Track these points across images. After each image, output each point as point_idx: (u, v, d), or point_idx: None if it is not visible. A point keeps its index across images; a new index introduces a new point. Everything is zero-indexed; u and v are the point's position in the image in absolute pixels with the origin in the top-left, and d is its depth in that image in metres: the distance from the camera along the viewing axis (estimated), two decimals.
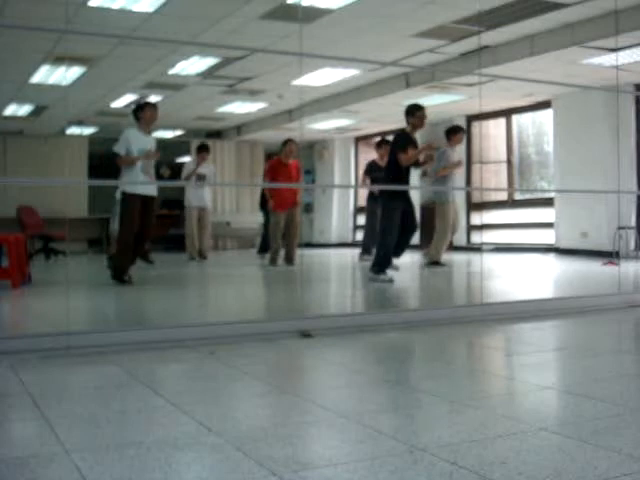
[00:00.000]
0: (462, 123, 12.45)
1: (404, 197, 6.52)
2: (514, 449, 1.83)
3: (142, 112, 6.34)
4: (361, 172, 11.01)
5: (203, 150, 10.25)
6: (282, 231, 8.87)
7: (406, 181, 6.57)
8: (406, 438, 1.93)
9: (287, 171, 8.85)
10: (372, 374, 2.92)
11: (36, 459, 1.80)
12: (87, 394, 2.64)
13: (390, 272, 6.47)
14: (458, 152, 8.72)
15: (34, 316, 4.84)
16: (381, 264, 6.44)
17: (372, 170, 9.73)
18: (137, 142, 6.26)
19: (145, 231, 6.30)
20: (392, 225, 6.40)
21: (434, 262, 8.15)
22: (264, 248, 10.63)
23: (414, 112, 6.51)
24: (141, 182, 6.29)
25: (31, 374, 2.83)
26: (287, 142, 8.95)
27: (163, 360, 3.20)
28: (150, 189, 6.33)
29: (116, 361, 3.06)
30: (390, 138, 7.42)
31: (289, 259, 8.87)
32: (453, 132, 8.50)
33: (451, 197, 8.27)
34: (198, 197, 10.46)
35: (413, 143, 6.50)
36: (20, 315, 5.12)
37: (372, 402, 2.39)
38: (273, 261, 8.92)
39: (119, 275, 6.30)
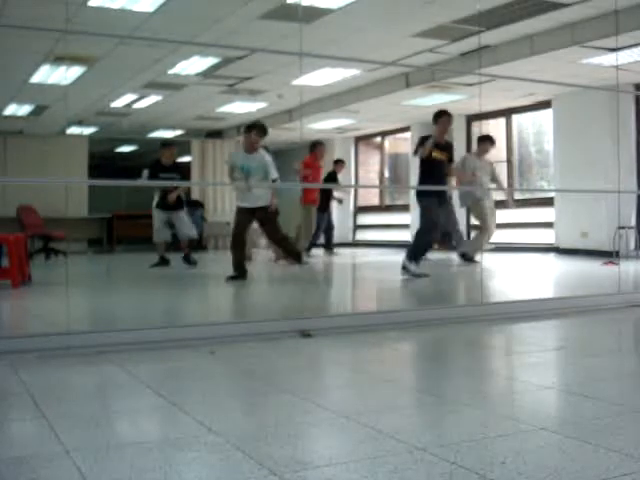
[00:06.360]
0: (462, 123, 12.46)
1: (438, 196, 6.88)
2: (514, 449, 1.83)
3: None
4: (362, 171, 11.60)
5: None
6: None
7: (438, 182, 6.97)
8: (406, 438, 1.93)
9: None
10: (372, 374, 2.92)
11: (36, 459, 1.80)
12: (87, 394, 2.64)
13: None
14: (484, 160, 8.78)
15: (34, 316, 4.84)
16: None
17: None
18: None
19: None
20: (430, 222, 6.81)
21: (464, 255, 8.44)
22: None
23: (438, 118, 6.96)
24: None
25: (31, 374, 2.83)
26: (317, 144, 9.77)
27: (163, 360, 3.19)
28: (252, 202, 6.89)
29: (116, 361, 3.06)
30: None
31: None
32: (478, 141, 8.92)
33: (481, 197, 8.50)
34: None
35: (437, 148, 6.91)
36: (20, 315, 5.12)
37: (372, 402, 2.39)
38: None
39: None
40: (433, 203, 6.77)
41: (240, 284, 6.65)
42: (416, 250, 6.86)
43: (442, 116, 6.93)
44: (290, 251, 7.35)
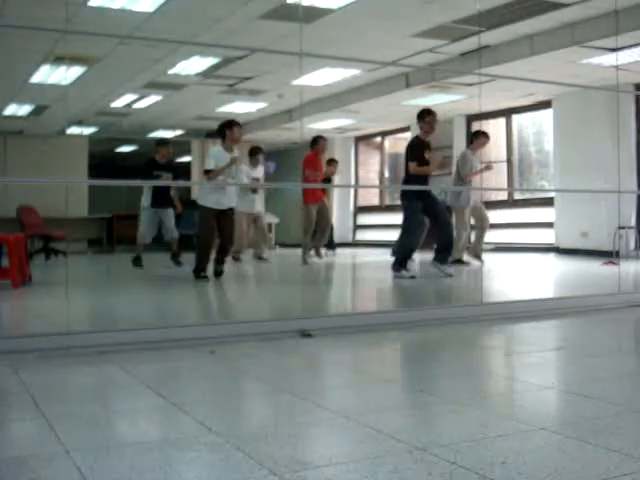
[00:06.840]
0: (462, 123, 12.46)
1: (425, 196, 6.80)
2: (514, 449, 1.83)
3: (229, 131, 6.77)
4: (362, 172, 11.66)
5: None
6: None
7: (423, 183, 6.91)
8: (406, 438, 1.93)
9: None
10: (372, 374, 2.92)
11: (36, 459, 1.80)
12: (87, 394, 2.64)
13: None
14: (479, 156, 8.74)
15: (34, 316, 4.84)
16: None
17: None
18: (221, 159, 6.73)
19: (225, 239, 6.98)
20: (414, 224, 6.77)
21: (457, 260, 8.36)
22: None
23: (424, 117, 6.87)
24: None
25: (31, 374, 2.83)
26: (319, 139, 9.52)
27: (163, 360, 3.19)
28: (225, 202, 6.77)
29: (116, 361, 3.06)
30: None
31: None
32: (474, 136, 8.80)
33: (470, 200, 8.45)
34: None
35: (427, 148, 6.86)
36: (20, 315, 5.12)
37: (372, 402, 2.39)
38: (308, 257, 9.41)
39: (197, 272, 6.85)
40: (418, 204, 6.70)
41: (207, 284, 6.68)
42: (402, 254, 6.82)
43: (428, 115, 6.84)
44: (223, 258, 7.12)
